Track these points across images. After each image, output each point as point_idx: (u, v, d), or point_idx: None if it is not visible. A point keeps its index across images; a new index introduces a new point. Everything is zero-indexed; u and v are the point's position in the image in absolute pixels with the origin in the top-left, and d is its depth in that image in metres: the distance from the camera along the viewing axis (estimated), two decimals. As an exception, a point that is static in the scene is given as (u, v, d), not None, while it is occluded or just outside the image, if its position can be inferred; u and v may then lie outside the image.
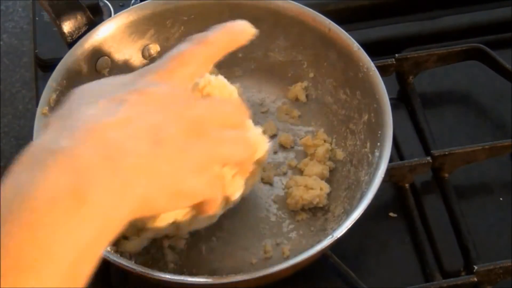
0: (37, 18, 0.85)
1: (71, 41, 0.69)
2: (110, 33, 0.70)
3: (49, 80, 0.66)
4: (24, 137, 0.77)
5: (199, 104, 0.53)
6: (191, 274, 0.65)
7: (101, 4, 0.84)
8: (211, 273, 0.64)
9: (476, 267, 0.65)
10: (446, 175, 0.72)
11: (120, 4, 0.85)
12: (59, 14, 0.67)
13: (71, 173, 0.44)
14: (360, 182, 0.66)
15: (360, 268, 0.65)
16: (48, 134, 0.48)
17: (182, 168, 0.50)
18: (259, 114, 0.75)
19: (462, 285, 0.65)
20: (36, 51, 0.82)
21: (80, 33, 0.69)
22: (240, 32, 0.59)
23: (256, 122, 0.73)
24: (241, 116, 0.57)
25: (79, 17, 0.69)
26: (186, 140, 0.50)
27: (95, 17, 0.71)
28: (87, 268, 0.44)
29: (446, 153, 0.71)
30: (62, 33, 0.68)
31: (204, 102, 0.55)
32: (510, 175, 0.74)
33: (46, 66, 0.81)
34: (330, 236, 0.59)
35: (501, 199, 0.73)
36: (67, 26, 0.68)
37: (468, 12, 0.86)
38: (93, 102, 0.50)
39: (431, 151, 0.72)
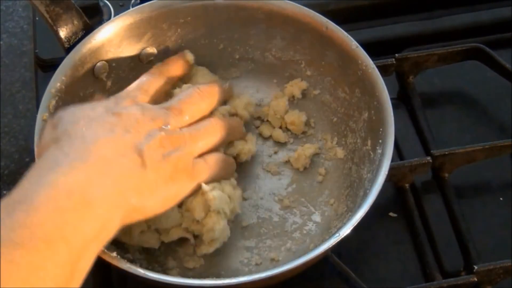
0: (37, 18, 0.85)
1: (68, 46, 0.68)
2: (107, 37, 0.70)
3: (48, 86, 0.66)
4: (24, 137, 0.77)
5: (166, 114, 0.62)
6: (195, 277, 0.64)
7: (101, 4, 0.84)
8: (215, 276, 0.64)
9: (476, 267, 0.65)
10: (446, 175, 0.72)
11: (120, 4, 0.85)
12: (56, 20, 0.67)
13: (82, 181, 0.53)
14: (363, 180, 0.66)
15: (360, 268, 0.65)
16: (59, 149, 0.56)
17: (164, 176, 0.59)
18: (257, 115, 0.75)
19: (462, 285, 0.65)
20: (36, 51, 0.82)
21: (77, 38, 0.69)
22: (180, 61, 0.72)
23: (255, 123, 0.74)
24: (206, 102, 0.67)
25: (75, 22, 0.68)
26: (163, 153, 0.59)
27: (95, 17, 0.71)
28: (82, 268, 0.51)
29: (446, 153, 0.71)
30: (59, 38, 0.68)
31: (168, 111, 0.63)
32: (510, 175, 0.74)
33: (46, 66, 0.81)
34: (337, 235, 0.59)
35: (501, 199, 0.73)
36: (64, 32, 0.68)
37: (468, 12, 0.86)
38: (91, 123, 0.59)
39: (431, 151, 0.72)
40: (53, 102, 0.65)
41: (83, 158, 0.54)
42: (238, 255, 0.67)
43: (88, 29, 0.69)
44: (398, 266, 0.69)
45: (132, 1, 0.85)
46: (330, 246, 0.59)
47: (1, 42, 0.85)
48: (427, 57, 0.78)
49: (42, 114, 0.65)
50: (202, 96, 0.67)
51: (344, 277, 0.64)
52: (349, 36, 0.69)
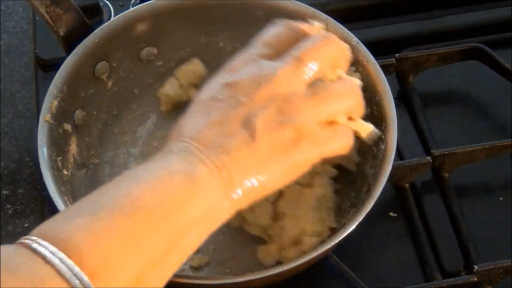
0: (37, 18, 0.85)
1: (69, 47, 0.68)
2: (107, 37, 0.70)
3: (50, 87, 0.66)
4: (24, 137, 0.77)
5: (289, 70, 0.56)
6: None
7: (101, 4, 0.84)
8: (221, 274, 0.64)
9: (476, 267, 0.65)
10: (446, 175, 0.72)
11: (120, 4, 0.85)
12: (56, 20, 0.67)
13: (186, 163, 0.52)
14: (366, 176, 0.66)
15: (360, 268, 0.65)
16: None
17: (281, 146, 0.54)
18: None
19: (462, 285, 0.65)
20: (36, 51, 0.82)
21: (78, 38, 0.68)
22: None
23: None
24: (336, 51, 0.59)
25: (76, 22, 0.68)
26: (281, 120, 0.54)
27: (95, 17, 0.71)
28: (189, 246, 0.51)
29: (446, 153, 0.71)
30: (60, 39, 0.68)
31: (291, 65, 0.56)
32: (510, 175, 0.74)
33: (46, 66, 0.81)
34: (343, 230, 0.59)
35: (501, 199, 0.73)
36: (65, 32, 0.68)
37: (468, 12, 0.86)
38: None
39: (431, 151, 0.72)
40: (55, 102, 0.65)
41: (188, 144, 0.53)
42: (246, 253, 0.66)
43: (88, 30, 0.69)
44: (398, 266, 0.69)
45: (132, 1, 0.85)
46: (339, 240, 0.58)
47: (1, 42, 0.85)
48: (427, 57, 0.78)
49: (44, 115, 0.65)
50: (329, 42, 0.59)
51: (344, 277, 0.64)
52: (350, 33, 0.69)
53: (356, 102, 0.59)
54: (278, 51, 0.58)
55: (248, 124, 0.53)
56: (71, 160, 0.67)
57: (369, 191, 0.62)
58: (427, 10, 0.86)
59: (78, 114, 0.69)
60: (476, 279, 0.65)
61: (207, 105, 0.55)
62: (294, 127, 0.54)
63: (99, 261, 0.45)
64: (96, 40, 0.69)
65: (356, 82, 0.59)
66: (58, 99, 0.66)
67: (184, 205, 0.50)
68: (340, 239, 0.59)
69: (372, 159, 0.66)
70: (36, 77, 0.81)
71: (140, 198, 0.48)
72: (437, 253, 0.68)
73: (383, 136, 0.65)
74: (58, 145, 0.65)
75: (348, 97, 0.58)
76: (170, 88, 0.74)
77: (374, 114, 0.67)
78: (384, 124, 0.65)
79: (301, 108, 0.55)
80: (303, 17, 0.70)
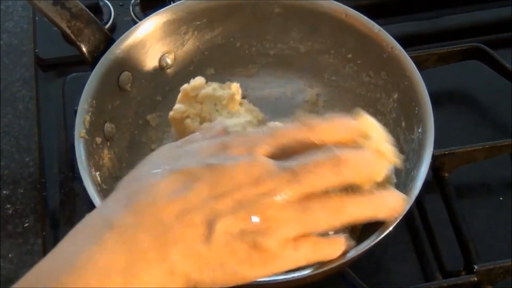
0: (37, 18, 0.85)
1: (92, 60, 0.68)
2: (128, 47, 0.70)
3: (79, 103, 0.66)
4: (24, 137, 0.77)
5: (281, 179, 0.48)
6: None
7: (101, 4, 0.84)
8: None
9: (476, 267, 0.65)
10: (446, 175, 0.72)
11: (120, 4, 0.85)
12: (78, 35, 0.67)
13: (125, 252, 0.46)
14: (402, 160, 0.66)
15: (360, 268, 0.65)
16: (111, 201, 0.50)
17: (231, 261, 0.48)
18: (282, 108, 0.74)
19: (462, 285, 0.65)
20: (36, 51, 0.82)
21: (100, 50, 0.68)
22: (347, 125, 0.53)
23: (280, 117, 0.73)
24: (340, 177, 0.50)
25: (97, 35, 0.68)
26: (243, 231, 0.48)
27: (96, 17, 0.71)
28: None
29: (446, 153, 0.71)
30: (83, 53, 0.68)
31: (286, 174, 0.49)
32: (510, 175, 0.74)
33: (46, 66, 0.81)
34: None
35: (501, 199, 0.73)
36: (87, 46, 0.68)
37: (468, 12, 0.86)
38: (162, 171, 0.49)
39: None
40: (87, 117, 0.65)
41: (138, 223, 0.47)
42: None
43: (109, 41, 0.69)
44: (398, 266, 0.69)
45: (132, 1, 0.85)
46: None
47: (1, 42, 0.85)
48: (427, 57, 0.78)
49: (79, 131, 0.64)
50: (338, 166, 0.50)
51: (344, 277, 0.64)
52: (371, 21, 0.70)
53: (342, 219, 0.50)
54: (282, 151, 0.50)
55: (210, 223, 0.48)
56: (107, 173, 0.67)
57: (409, 174, 0.62)
58: (427, 10, 0.86)
59: (108, 126, 0.69)
60: (476, 279, 0.65)
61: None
62: (251, 243, 0.48)
63: None
64: (118, 51, 0.69)
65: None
66: (90, 113, 0.66)
67: None
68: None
69: (406, 144, 0.66)
70: (36, 77, 0.81)
71: None
72: (437, 253, 0.68)
73: (415, 119, 0.64)
74: (94, 159, 0.65)
75: (334, 215, 0.50)
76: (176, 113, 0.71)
77: (403, 99, 0.67)
78: (417, 108, 0.65)
79: (273, 224, 0.48)
80: (320, 9, 0.71)
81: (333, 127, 0.52)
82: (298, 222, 0.49)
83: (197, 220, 0.47)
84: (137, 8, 0.85)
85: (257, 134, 0.52)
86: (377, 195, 0.52)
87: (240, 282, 0.49)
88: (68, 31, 0.67)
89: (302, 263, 0.50)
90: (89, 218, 0.49)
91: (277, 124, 0.57)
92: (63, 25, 0.67)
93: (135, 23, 0.82)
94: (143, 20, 0.71)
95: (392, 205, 0.53)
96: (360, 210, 0.51)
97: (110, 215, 0.48)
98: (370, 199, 0.52)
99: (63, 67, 0.81)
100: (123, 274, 0.46)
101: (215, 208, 0.48)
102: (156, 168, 0.50)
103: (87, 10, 0.68)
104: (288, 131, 0.51)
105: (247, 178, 0.48)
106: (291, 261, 0.50)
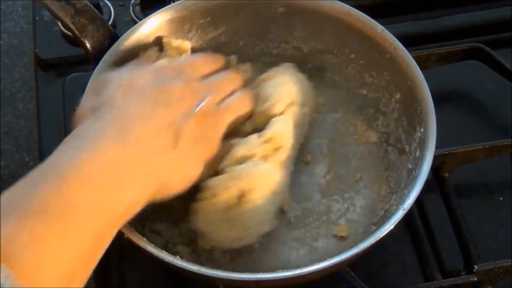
0: (37, 18, 0.84)
1: (96, 56, 0.68)
2: (131, 45, 0.69)
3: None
4: (24, 137, 0.77)
5: (207, 90, 0.63)
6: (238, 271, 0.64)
7: (101, 4, 0.84)
8: (262, 270, 0.63)
9: (476, 267, 0.65)
10: (446, 174, 0.72)
11: (120, 4, 0.85)
12: (82, 31, 0.67)
13: (114, 159, 0.55)
14: (404, 160, 0.67)
15: (360, 268, 0.65)
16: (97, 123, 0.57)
17: (194, 158, 0.61)
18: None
19: (462, 284, 0.65)
20: (36, 50, 0.82)
21: (104, 47, 0.68)
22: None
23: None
24: (233, 81, 0.67)
25: (101, 31, 0.68)
26: (196, 136, 0.61)
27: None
28: (106, 241, 0.53)
29: (446, 153, 0.71)
30: (87, 49, 0.68)
31: (205, 87, 0.64)
32: (510, 175, 0.74)
33: (46, 66, 0.81)
34: (402, 209, 0.59)
35: (501, 199, 0.73)
36: (91, 42, 0.68)
37: (468, 12, 0.86)
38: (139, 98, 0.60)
39: (431, 151, 0.72)
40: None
41: (119, 136, 0.55)
42: (285, 247, 0.67)
43: (113, 37, 0.69)
44: (398, 266, 0.69)
45: (132, 1, 0.85)
46: (394, 224, 0.59)
47: (1, 42, 0.85)
48: (427, 57, 0.78)
49: None
50: (235, 79, 0.68)
51: (344, 277, 0.64)
52: (374, 21, 0.70)
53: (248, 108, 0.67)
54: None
55: (175, 132, 0.59)
56: None
57: (411, 174, 0.63)
58: (427, 10, 0.86)
59: None
60: (476, 279, 0.65)
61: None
62: (203, 145, 0.62)
63: (32, 265, 0.47)
64: (122, 47, 0.69)
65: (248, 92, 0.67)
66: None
67: (114, 198, 0.53)
68: (357, 251, 0.58)
69: (408, 145, 0.67)
70: (36, 77, 0.81)
71: (66, 197, 0.50)
72: (437, 253, 0.68)
73: (417, 119, 0.65)
74: None
75: (244, 106, 0.67)
76: None
77: (405, 99, 0.68)
78: (419, 108, 0.65)
79: (213, 123, 0.63)
80: (323, 9, 0.71)
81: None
82: (229, 115, 0.65)
83: (164, 132, 0.58)
84: (137, 8, 0.85)
85: (182, 63, 0.66)
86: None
87: (200, 177, 0.61)
88: (73, 27, 0.67)
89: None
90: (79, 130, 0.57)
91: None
92: (68, 20, 0.67)
93: (135, 23, 0.81)
94: (147, 17, 0.71)
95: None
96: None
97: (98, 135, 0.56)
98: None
99: (63, 67, 0.81)
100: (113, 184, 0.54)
101: (172, 119, 0.59)
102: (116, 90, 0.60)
103: (91, 6, 0.68)
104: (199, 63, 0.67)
105: (187, 93, 0.62)
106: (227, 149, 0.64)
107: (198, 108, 0.61)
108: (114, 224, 0.54)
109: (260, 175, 0.63)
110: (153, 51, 0.68)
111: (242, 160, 0.64)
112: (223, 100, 0.65)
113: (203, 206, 0.63)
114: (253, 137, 0.66)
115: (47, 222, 0.49)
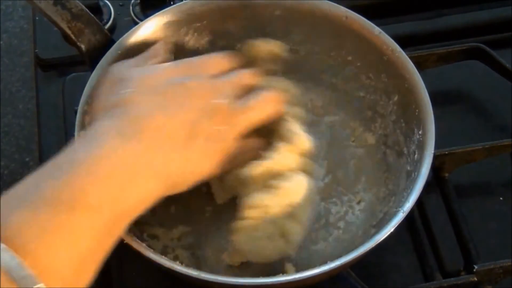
0: (37, 18, 0.85)
1: (92, 61, 0.68)
2: (128, 48, 0.69)
3: (79, 103, 0.65)
4: (24, 137, 0.77)
5: (224, 87, 0.63)
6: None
7: (101, 4, 0.84)
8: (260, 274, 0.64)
9: (476, 267, 0.65)
10: (446, 174, 0.72)
11: (120, 4, 0.85)
12: (79, 35, 0.67)
13: (129, 156, 0.56)
14: (402, 163, 0.67)
15: (360, 268, 0.65)
16: (110, 120, 0.58)
17: (207, 155, 0.61)
18: None
19: (462, 284, 0.65)
20: (36, 51, 0.82)
21: (100, 51, 0.68)
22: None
23: None
24: (250, 80, 0.66)
25: (97, 35, 0.68)
26: (211, 132, 0.61)
27: (95, 17, 0.71)
28: (116, 234, 0.54)
29: (446, 153, 0.71)
30: (83, 53, 0.68)
31: (228, 84, 0.64)
32: (510, 175, 0.74)
33: (46, 66, 0.81)
34: (402, 212, 0.59)
35: (501, 199, 0.73)
36: (87, 46, 0.68)
37: (468, 12, 0.86)
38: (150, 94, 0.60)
39: (431, 151, 0.72)
40: (87, 118, 0.65)
41: (135, 134, 0.56)
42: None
43: (109, 42, 0.69)
44: (398, 266, 0.69)
45: (132, 1, 0.85)
46: (396, 224, 0.59)
47: (1, 42, 0.85)
48: (427, 57, 0.78)
49: (79, 131, 0.64)
50: (252, 78, 0.67)
51: (344, 277, 0.64)
52: (371, 23, 0.69)
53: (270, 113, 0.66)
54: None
55: (190, 129, 0.59)
56: None
57: (410, 176, 0.63)
58: (427, 10, 0.86)
59: None
60: (476, 279, 0.65)
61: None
62: (219, 144, 0.62)
63: (43, 255, 0.48)
64: (119, 52, 0.68)
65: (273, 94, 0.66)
66: (89, 114, 0.65)
67: (123, 193, 0.54)
68: (357, 255, 0.58)
69: (406, 147, 0.67)
70: (36, 77, 0.81)
71: (80, 190, 0.51)
72: (437, 253, 0.68)
73: (416, 121, 0.65)
74: None
75: (266, 109, 0.66)
76: None
77: (403, 101, 0.67)
78: (417, 110, 0.65)
79: (230, 120, 0.62)
80: (320, 11, 0.71)
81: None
82: (249, 116, 0.64)
83: (179, 129, 0.59)
84: (137, 8, 0.85)
85: (197, 61, 0.66)
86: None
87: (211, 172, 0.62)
88: (69, 32, 0.67)
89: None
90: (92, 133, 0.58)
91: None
92: (64, 25, 0.67)
93: (135, 23, 0.82)
94: (144, 21, 0.71)
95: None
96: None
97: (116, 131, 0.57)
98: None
99: (63, 67, 0.81)
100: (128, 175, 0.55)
101: (189, 116, 0.60)
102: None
103: (88, 10, 0.68)
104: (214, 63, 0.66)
105: (204, 89, 0.62)
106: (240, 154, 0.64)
107: (213, 105, 0.61)
108: (125, 218, 0.55)
109: (303, 187, 0.63)
110: (160, 46, 0.68)
111: (278, 173, 0.64)
112: (240, 98, 0.64)
113: (251, 225, 0.62)
114: (284, 148, 0.65)
115: (59, 214, 0.50)
